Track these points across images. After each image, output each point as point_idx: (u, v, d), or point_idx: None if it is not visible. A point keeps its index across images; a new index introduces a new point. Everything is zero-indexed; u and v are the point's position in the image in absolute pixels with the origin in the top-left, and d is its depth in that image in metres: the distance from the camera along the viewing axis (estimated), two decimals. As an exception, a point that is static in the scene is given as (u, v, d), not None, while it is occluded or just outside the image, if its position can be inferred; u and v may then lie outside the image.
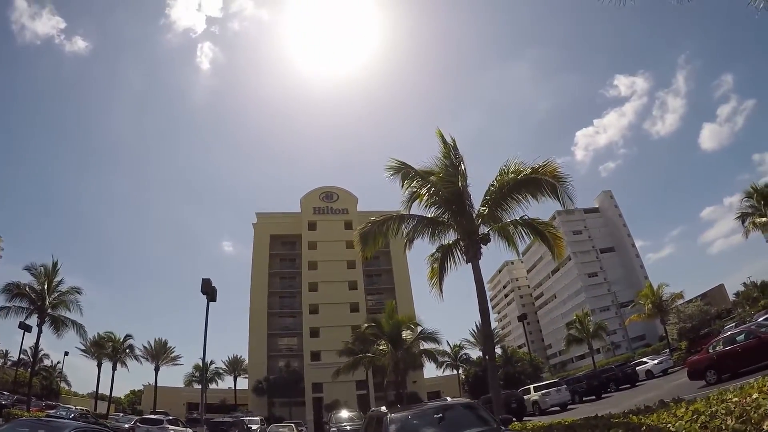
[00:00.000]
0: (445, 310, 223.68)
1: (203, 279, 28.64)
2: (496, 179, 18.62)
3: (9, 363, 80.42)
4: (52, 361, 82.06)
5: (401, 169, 19.13)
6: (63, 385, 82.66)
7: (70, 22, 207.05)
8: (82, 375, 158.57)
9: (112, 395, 77.06)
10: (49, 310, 39.23)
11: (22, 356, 65.28)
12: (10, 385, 58.47)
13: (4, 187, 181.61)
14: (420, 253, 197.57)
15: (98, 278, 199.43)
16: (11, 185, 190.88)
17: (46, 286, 39.30)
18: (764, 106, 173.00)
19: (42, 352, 79.22)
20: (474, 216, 18.77)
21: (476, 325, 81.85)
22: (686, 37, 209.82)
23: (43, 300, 38.77)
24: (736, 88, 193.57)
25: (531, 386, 40.52)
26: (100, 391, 71.68)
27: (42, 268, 39.79)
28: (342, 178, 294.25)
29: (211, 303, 29.11)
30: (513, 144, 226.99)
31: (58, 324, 39.33)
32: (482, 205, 18.79)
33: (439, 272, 20.22)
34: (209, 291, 28.54)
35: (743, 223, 44.25)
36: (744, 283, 75.50)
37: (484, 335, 18.02)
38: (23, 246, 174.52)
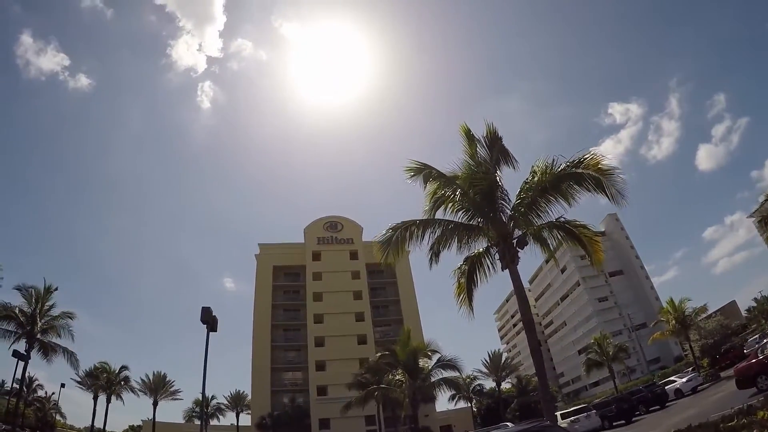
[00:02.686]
0: (453, 340, 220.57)
1: (203, 307, 26.26)
2: (531, 177, 16.81)
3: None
4: (46, 392, 78.89)
5: (422, 169, 17.15)
6: (58, 417, 79.32)
7: (74, 60, 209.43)
8: (78, 408, 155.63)
9: (111, 430, 73.97)
10: (39, 335, 37.09)
11: (15, 386, 62.38)
12: (3, 415, 55.58)
13: (4, 217, 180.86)
14: (428, 284, 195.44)
15: (98, 313, 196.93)
16: (11, 218, 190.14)
17: (37, 310, 37.27)
18: (758, 123, 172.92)
19: (36, 383, 76.83)
20: (507, 218, 16.84)
21: (489, 355, 79.62)
22: (676, 59, 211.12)
23: (32, 324, 36.58)
24: (729, 107, 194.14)
25: (558, 413, 38.06)
26: (97, 426, 68.33)
27: (33, 290, 37.79)
28: (346, 209, 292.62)
29: (212, 336, 26.86)
30: (510, 176, 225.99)
31: (47, 350, 37.21)
32: (516, 207, 16.86)
33: (467, 287, 18.01)
34: (209, 320, 26.14)
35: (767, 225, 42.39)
36: (755, 298, 73.73)
37: (531, 348, 15.85)
38: (23, 279, 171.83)
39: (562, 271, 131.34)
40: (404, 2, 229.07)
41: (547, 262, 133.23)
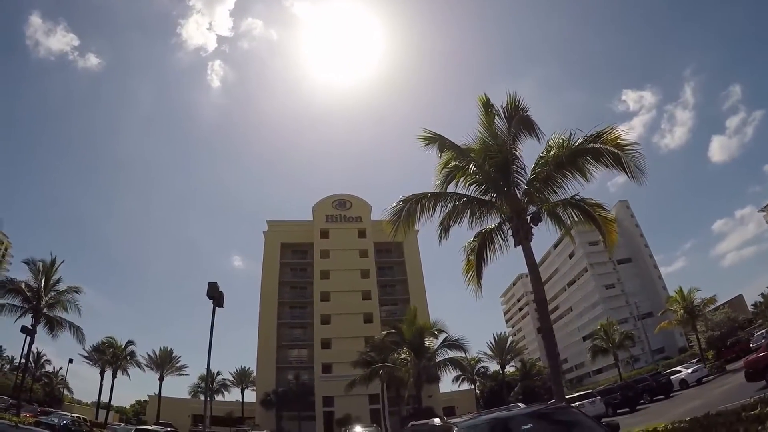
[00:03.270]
0: (458, 322, 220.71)
1: (210, 282, 26.14)
2: (546, 151, 16.35)
3: (7, 367, 78.66)
4: (54, 368, 79.86)
5: (436, 139, 16.70)
6: (66, 392, 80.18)
7: (83, 40, 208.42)
8: (84, 383, 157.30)
9: (118, 405, 75.29)
10: (45, 310, 37.03)
11: (23, 361, 62.98)
12: (12, 390, 56.16)
13: (14, 197, 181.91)
14: (435, 265, 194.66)
15: (107, 291, 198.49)
16: (20, 197, 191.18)
17: (42, 284, 37.10)
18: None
19: (44, 358, 77.66)
20: (522, 192, 16.46)
21: (494, 337, 79.46)
22: (692, 49, 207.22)
23: (38, 299, 36.47)
24: (745, 99, 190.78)
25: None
26: (104, 400, 69.02)
27: (41, 263, 37.74)
28: (355, 189, 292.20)
29: (219, 314, 26.78)
30: (525, 152, 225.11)
31: (53, 324, 37.16)
32: (531, 181, 16.43)
33: (476, 264, 17.64)
34: (216, 295, 26.00)
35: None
36: (762, 293, 73.51)
37: (544, 329, 15.43)
38: (32, 256, 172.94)
39: (570, 256, 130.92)
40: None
41: (555, 247, 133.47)
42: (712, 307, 54.35)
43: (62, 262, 39.50)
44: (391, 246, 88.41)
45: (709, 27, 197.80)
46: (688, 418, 10.26)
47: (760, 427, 7.09)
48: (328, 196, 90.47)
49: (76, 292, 39.03)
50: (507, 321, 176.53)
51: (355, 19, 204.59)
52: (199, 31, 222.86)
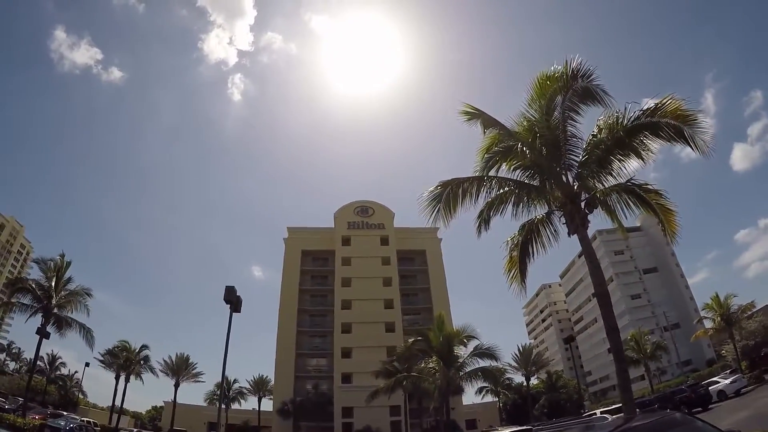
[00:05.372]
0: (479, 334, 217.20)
1: (227, 287, 25.04)
2: (596, 131, 14.84)
3: (24, 369, 78.60)
4: (69, 371, 79.58)
5: (479, 115, 15.16)
6: (81, 395, 79.46)
7: (107, 54, 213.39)
8: (104, 387, 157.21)
9: (134, 410, 74.08)
10: (55, 310, 36.30)
11: (40, 363, 62.30)
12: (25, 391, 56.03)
13: (38, 204, 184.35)
14: (455, 274, 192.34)
15: (127, 296, 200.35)
16: (45, 203, 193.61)
17: (53, 283, 36.35)
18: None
19: (59, 361, 77.41)
20: (573, 177, 14.87)
21: (519, 349, 77.02)
22: (712, 55, 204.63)
23: (49, 298, 35.72)
24: (766, 105, 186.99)
25: (597, 411, 36.10)
26: (118, 405, 68.04)
27: (51, 262, 37.20)
28: (377, 197, 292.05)
29: (239, 324, 25.69)
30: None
31: (62, 324, 36.32)
32: (582, 164, 14.81)
33: (519, 260, 16.02)
34: (233, 300, 24.81)
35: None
36: (789, 302, 71.10)
37: (609, 328, 13.60)
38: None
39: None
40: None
41: (580, 256, 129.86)
42: (750, 312, 51.96)
43: (70, 262, 39.14)
44: (414, 254, 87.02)
45: (728, 32, 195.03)
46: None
47: None
48: (351, 202, 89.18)
49: (88, 294, 38.64)
50: (530, 333, 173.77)
51: (373, 31, 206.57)
52: (220, 45, 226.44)
